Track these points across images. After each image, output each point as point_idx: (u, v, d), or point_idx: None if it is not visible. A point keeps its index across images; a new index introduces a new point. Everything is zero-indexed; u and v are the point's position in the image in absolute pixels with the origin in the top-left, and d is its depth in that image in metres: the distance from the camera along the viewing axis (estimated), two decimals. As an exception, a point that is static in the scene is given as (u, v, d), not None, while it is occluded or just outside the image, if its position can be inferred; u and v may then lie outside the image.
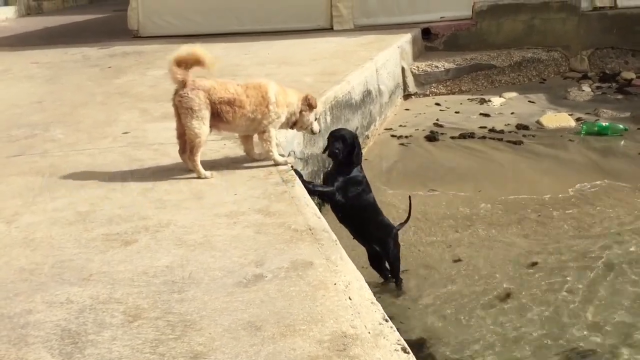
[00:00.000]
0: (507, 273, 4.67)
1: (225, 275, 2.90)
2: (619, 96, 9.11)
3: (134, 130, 5.34)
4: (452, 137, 7.62)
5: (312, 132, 4.60)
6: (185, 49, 4.06)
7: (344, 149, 4.32)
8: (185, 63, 4.06)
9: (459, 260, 4.90)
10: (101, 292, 2.80)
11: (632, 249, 4.92)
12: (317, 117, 4.58)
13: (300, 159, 5.49)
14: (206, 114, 4.10)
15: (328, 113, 6.21)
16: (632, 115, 8.17)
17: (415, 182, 6.47)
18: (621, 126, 7.58)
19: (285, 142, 5.10)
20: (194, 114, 4.07)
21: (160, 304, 2.68)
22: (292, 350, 2.34)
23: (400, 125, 8.21)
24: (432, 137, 7.65)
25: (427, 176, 6.62)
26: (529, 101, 9.05)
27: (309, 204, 3.74)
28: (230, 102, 4.15)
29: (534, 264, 4.76)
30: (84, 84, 7.63)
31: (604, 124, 7.62)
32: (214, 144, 4.84)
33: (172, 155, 4.45)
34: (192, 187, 4.03)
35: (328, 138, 4.49)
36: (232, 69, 7.65)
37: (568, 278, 4.53)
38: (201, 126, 4.08)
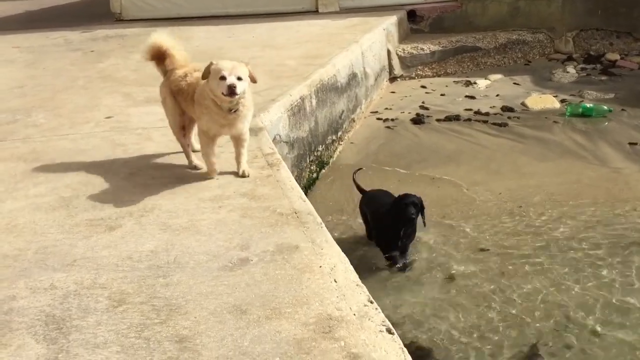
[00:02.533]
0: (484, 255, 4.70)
1: (210, 260, 2.90)
2: (603, 77, 9.15)
3: (117, 115, 5.29)
4: (438, 120, 7.62)
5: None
6: (146, 44, 4.15)
7: (417, 213, 4.48)
8: (157, 55, 4.16)
9: (443, 243, 4.91)
10: (85, 277, 2.79)
11: (613, 232, 4.97)
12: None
13: (286, 142, 5.47)
14: None
15: (314, 96, 6.18)
16: (616, 97, 8.21)
17: (401, 165, 6.47)
18: (605, 107, 7.61)
19: (270, 125, 5.08)
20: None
21: (145, 289, 2.67)
22: (277, 333, 2.34)
23: (386, 108, 8.20)
24: (418, 120, 7.65)
25: (412, 159, 6.63)
26: (514, 83, 9.06)
27: (295, 188, 3.74)
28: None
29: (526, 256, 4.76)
30: (65, 68, 7.53)
31: (588, 105, 7.65)
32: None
33: (155, 139, 4.42)
34: (176, 171, 4.01)
35: (397, 204, 4.48)
36: (216, 52, 7.59)
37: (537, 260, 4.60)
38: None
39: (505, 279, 4.38)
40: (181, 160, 4.12)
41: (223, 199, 3.57)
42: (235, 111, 3.68)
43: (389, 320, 2.47)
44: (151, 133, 4.62)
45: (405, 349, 2.28)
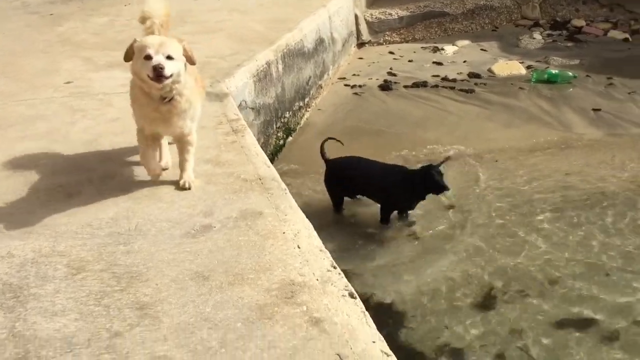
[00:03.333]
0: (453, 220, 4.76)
1: (172, 227, 2.86)
2: (569, 44, 9.21)
3: (77, 80, 5.15)
4: (406, 86, 7.60)
5: None
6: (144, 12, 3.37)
7: None
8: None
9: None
10: (44, 245, 2.73)
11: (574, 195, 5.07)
12: None
13: (252, 108, 5.41)
14: None
15: (280, 62, 6.10)
16: (582, 63, 8.28)
17: (369, 131, 6.46)
18: (570, 73, 7.68)
19: (235, 91, 5.01)
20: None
21: (105, 256, 2.63)
22: (239, 299, 2.33)
23: (354, 74, 8.14)
24: (385, 87, 7.61)
25: (380, 125, 6.61)
26: (481, 49, 9.06)
27: (259, 153, 3.70)
28: None
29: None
30: (23, 31, 7.28)
31: (553, 71, 7.70)
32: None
33: (116, 105, 4.32)
34: (138, 137, 3.92)
35: (429, 174, 4.52)
36: (183, 15, 7.41)
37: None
38: None
39: (467, 236, 4.51)
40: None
41: (186, 165, 3.51)
42: (169, 100, 2.98)
43: (355, 285, 2.48)
44: (112, 99, 4.51)
45: (367, 313, 2.29)
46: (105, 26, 7.19)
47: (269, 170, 3.46)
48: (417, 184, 4.56)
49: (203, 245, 2.69)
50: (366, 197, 4.92)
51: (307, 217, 3.01)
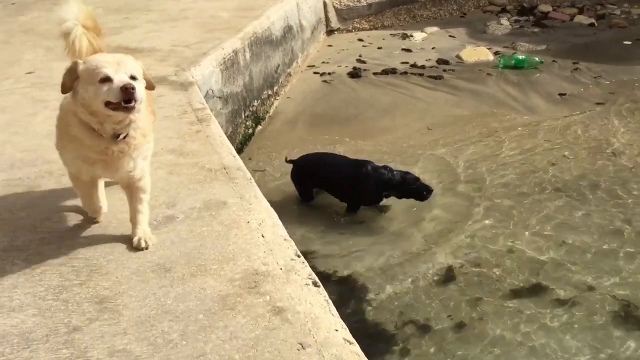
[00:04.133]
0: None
1: (134, 218, 2.81)
2: (536, 29, 9.30)
3: (38, 70, 5.04)
4: (375, 73, 7.60)
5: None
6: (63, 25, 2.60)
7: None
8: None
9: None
10: (1, 240, 2.66)
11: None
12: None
13: (219, 97, 5.35)
14: None
15: (247, 50, 6.04)
16: (548, 48, 8.37)
17: (339, 119, 6.45)
18: (537, 59, 7.75)
19: (201, 80, 4.95)
20: None
21: (64, 250, 2.57)
22: (202, 290, 2.31)
23: (323, 62, 8.11)
24: (354, 74, 7.60)
25: (350, 113, 6.61)
26: (450, 36, 9.10)
27: (224, 143, 3.66)
28: None
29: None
30: (-16, 21, 7.11)
31: (520, 57, 7.78)
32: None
33: (79, 95, 4.22)
34: (101, 128, 3.85)
35: (416, 186, 4.63)
36: (145, 3, 7.30)
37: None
38: None
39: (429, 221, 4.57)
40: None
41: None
42: (124, 137, 2.33)
43: (320, 269, 2.47)
44: (75, 89, 4.42)
45: (330, 301, 2.29)
46: (68, 15, 7.04)
47: (234, 159, 3.43)
48: (394, 187, 4.58)
49: (165, 236, 2.66)
50: (332, 194, 4.87)
51: (274, 206, 2.99)
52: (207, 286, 2.33)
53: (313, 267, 2.55)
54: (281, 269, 2.45)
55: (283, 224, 2.86)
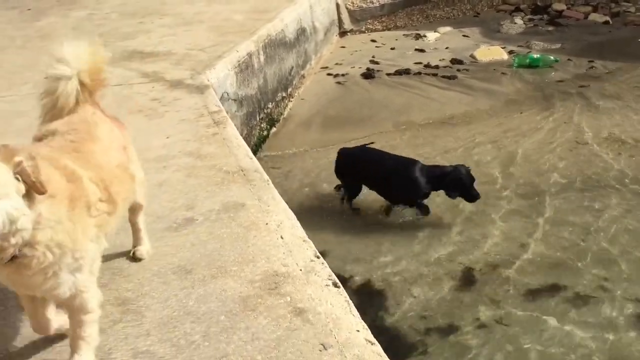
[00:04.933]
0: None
1: (154, 221, 2.84)
2: (550, 28, 9.24)
3: (56, 75, 5.08)
4: (388, 74, 7.60)
5: None
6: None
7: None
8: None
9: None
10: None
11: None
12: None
13: (234, 100, 5.38)
14: None
15: (262, 52, 6.07)
16: (563, 47, 8.32)
17: (353, 120, 6.45)
18: (552, 57, 7.71)
19: (217, 82, 4.97)
20: None
21: (86, 253, 2.59)
22: (223, 292, 2.32)
23: (337, 64, 8.12)
24: (368, 75, 7.61)
25: (363, 114, 6.61)
26: (463, 35, 9.07)
27: (241, 145, 3.68)
28: None
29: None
30: (1, 27, 7.18)
31: (535, 56, 7.74)
32: (141, 87, 4.70)
33: (96, 99, 4.26)
34: (119, 132, 3.89)
35: (458, 178, 4.48)
36: (159, 7, 7.36)
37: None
38: None
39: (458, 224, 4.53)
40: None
41: (168, 159, 3.49)
42: (12, 259, 1.72)
43: (339, 272, 2.48)
44: (92, 93, 4.46)
45: (350, 301, 2.30)
46: (84, 20, 7.12)
47: (251, 161, 3.45)
48: (444, 183, 4.48)
49: (185, 238, 2.68)
50: (374, 190, 4.78)
51: (291, 207, 3.01)
52: (228, 287, 2.35)
53: (333, 270, 2.55)
54: (301, 270, 2.46)
55: (301, 224, 2.87)
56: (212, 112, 4.16)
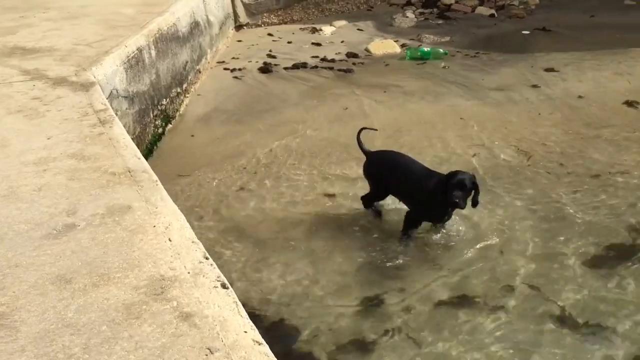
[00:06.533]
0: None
1: (32, 228, 2.68)
2: (440, 21, 9.57)
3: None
4: (286, 68, 7.61)
5: None
6: None
7: (465, 197, 3.76)
8: None
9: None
10: None
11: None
12: None
13: (125, 97, 5.19)
14: None
15: (153, 47, 5.89)
16: (452, 39, 8.64)
17: (252, 115, 6.41)
18: (442, 50, 7.99)
19: (104, 79, 4.78)
20: None
21: (-45, 266, 2.43)
22: (105, 300, 2.23)
23: (233, 58, 8.04)
24: (265, 69, 7.59)
25: (262, 108, 6.58)
26: (358, 29, 9.23)
27: (129, 145, 3.55)
28: None
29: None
30: None
31: (426, 49, 7.99)
32: (21, 85, 4.44)
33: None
34: (-7, 133, 3.66)
35: (447, 184, 3.79)
36: (41, 1, 6.98)
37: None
38: None
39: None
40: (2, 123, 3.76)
41: (48, 162, 3.31)
42: None
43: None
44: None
45: (239, 302, 2.27)
46: None
47: (140, 162, 3.33)
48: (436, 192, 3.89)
49: (65, 246, 2.55)
50: (398, 198, 4.36)
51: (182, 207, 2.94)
52: (111, 296, 2.26)
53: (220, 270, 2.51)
54: (189, 272, 2.40)
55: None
56: (98, 111, 3.99)
